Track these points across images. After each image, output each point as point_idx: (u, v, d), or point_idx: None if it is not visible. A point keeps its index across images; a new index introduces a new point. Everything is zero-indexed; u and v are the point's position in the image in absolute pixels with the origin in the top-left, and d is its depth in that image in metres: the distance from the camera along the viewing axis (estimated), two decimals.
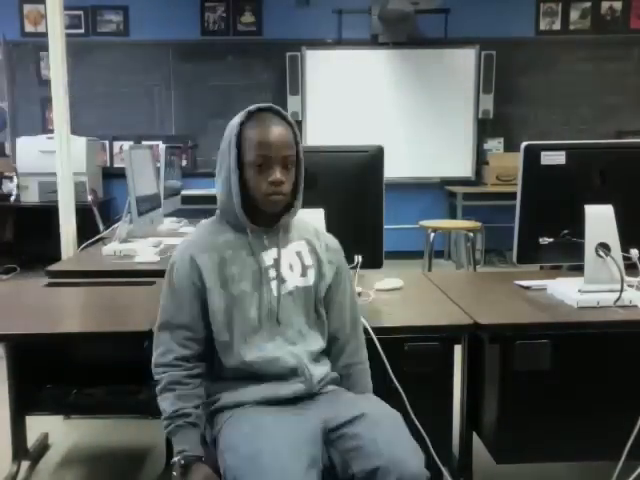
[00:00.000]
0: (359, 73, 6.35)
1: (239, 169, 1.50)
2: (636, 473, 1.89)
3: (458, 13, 6.25)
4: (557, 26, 6.52)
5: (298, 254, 1.59)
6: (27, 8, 6.31)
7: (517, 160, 2.02)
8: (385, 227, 2.08)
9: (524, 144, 2.01)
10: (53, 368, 2.26)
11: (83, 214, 3.49)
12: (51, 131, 3.73)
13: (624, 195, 2.01)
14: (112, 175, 6.20)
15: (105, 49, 6.31)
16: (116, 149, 6.42)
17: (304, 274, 1.58)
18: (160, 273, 1.66)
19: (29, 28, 6.34)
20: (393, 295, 2.16)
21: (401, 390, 1.73)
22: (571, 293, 1.99)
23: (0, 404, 2.30)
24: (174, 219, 3.75)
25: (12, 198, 5.81)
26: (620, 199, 1.99)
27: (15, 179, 5.79)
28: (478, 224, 4.99)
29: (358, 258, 1.98)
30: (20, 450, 2.35)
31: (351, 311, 1.65)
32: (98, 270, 2.59)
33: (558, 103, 6.50)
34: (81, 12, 6.30)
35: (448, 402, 1.94)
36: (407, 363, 1.81)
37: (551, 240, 2.01)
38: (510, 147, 6.44)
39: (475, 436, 2.12)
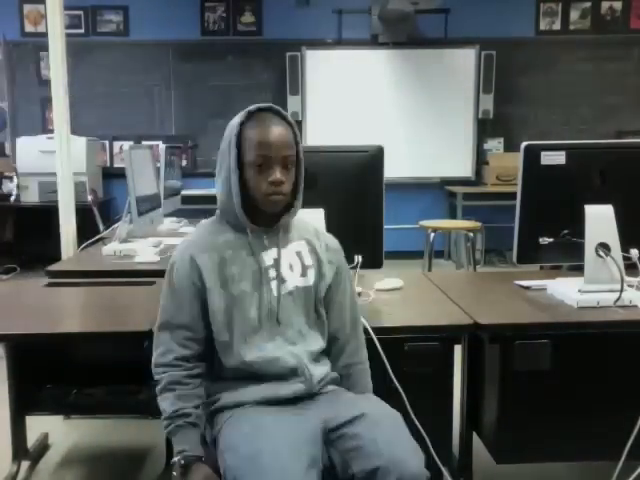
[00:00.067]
0: (359, 73, 6.35)
1: (239, 169, 1.50)
2: (636, 473, 1.89)
3: (458, 13, 6.25)
4: (557, 26, 6.52)
5: (298, 254, 1.59)
6: (27, 8, 6.31)
7: (517, 160, 2.02)
8: (385, 227, 2.08)
9: (524, 144, 2.01)
10: (53, 368, 2.26)
11: (83, 214, 3.49)
12: (51, 131, 3.73)
13: (624, 195, 2.01)
14: (112, 175, 6.20)
15: (105, 49, 6.31)
16: (116, 149, 6.42)
17: (304, 274, 1.58)
18: (160, 273, 1.66)
19: (29, 28, 6.34)
20: (393, 295, 2.16)
21: (401, 390, 1.73)
22: (571, 293, 1.99)
23: (0, 404, 2.30)
24: (174, 219, 3.75)
25: (12, 198, 5.81)
26: (620, 199, 1.99)
27: (15, 179, 5.79)
28: (478, 224, 4.99)
29: (358, 258, 1.98)
30: (20, 450, 2.35)
31: (351, 311, 1.65)
32: (98, 270, 2.59)
33: (558, 103, 6.50)
34: (81, 12, 6.30)
35: (448, 402, 1.94)
36: (407, 363, 1.81)
37: (551, 240, 2.01)
38: (510, 147, 6.44)
39: (475, 436, 2.12)
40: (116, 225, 3.01)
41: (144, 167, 3.12)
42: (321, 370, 1.56)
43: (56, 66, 3.27)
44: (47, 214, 4.26)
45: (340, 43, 6.38)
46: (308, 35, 6.30)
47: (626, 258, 1.96)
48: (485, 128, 6.52)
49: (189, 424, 1.45)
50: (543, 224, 2.02)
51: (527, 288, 2.17)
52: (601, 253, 1.96)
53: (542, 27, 6.51)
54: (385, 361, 1.75)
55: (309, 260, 1.59)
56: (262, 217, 1.54)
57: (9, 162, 6.02)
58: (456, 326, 1.87)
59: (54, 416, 2.66)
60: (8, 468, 2.31)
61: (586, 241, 1.96)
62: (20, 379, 2.26)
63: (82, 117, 5.73)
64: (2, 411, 2.30)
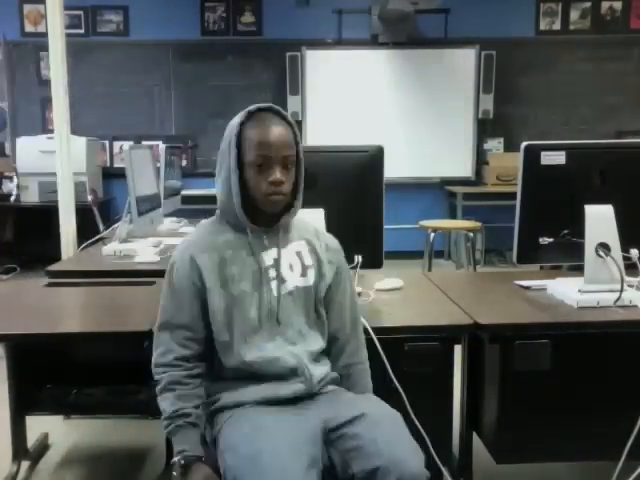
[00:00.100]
0: (359, 73, 6.35)
1: (239, 169, 1.50)
2: (636, 473, 1.89)
3: (458, 13, 6.25)
4: (557, 26, 6.52)
5: (298, 254, 1.59)
6: (27, 8, 6.31)
7: (517, 160, 2.02)
8: (385, 227, 2.08)
9: (524, 144, 2.01)
10: (53, 368, 2.26)
11: (83, 214, 3.49)
12: (51, 131, 3.73)
13: (624, 195, 2.01)
14: (112, 175, 6.20)
15: (105, 49, 6.31)
16: (116, 149, 6.42)
17: (304, 274, 1.58)
18: (160, 273, 1.66)
19: (29, 28, 6.34)
20: (393, 295, 2.16)
21: (401, 390, 1.73)
22: (571, 293, 1.99)
23: (0, 404, 2.30)
24: (174, 219, 3.75)
25: (12, 198, 5.81)
26: (620, 199, 1.99)
27: (15, 179, 5.79)
28: (478, 224, 4.99)
29: (358, 258, 1.98)
30: (20, 450, 2.35)
31: (351, 311, 1.65)
32: (98, 270, 2.59)
33: (558, 103, 6.50)
34: (81, 12, 6.30)
35: (448, 402, 1.94)
36: (407, 363, 1.81)
37: (551, 240, 2.01)
38: (510, 147, 6.44)
39: (475, 436, 2.12)
40: (116, 225, 3.01)
41: (144, 167, 3.12)
42: (321, 370, 1.56)
43: (56, 66, 3.27)
44: (47, 214, 4.26)
45: (340, 43, 6.38)
46: (308, 35, 6.30)
47: (626, 258, 1.96)
48: (485, 128, 6.52)
49: (189, 424, 1.45)
50: (543, 224, 2.02)
51: (527, 288, 2.17)
52: (601, 253, 1.96)
53: (542, 27, 6.51)
54: (385, 361, 1.75)
55: (309, 260, 1.59)
56: (262, 217, 1.54)
57: (9, 162, 6.02)
58: (456, 326, 1.87)
59: (54, 416, 2.66)
60: (8, 468, 2.31)
61: (586, 241, 1.96)
62: (20, 379, 2.25)
63: (82, 117, 5.72)
64: (2, 411, 2.30)
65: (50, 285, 2.37)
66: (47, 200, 5.08)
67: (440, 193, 6.60)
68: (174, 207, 3.89)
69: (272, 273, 1.53)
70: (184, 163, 6.08)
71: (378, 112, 6.39)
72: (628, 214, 1.98)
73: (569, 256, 2.06)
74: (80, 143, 5.46)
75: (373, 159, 2.05)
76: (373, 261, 2.05)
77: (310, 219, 1.69)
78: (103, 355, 2.18)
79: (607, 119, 6.49)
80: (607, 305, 1.93)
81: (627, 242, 1.97)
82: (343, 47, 6.36)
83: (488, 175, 6.32)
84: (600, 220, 1.97)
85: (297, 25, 6.30)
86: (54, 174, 3.34)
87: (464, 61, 6.37)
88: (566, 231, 2.00)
